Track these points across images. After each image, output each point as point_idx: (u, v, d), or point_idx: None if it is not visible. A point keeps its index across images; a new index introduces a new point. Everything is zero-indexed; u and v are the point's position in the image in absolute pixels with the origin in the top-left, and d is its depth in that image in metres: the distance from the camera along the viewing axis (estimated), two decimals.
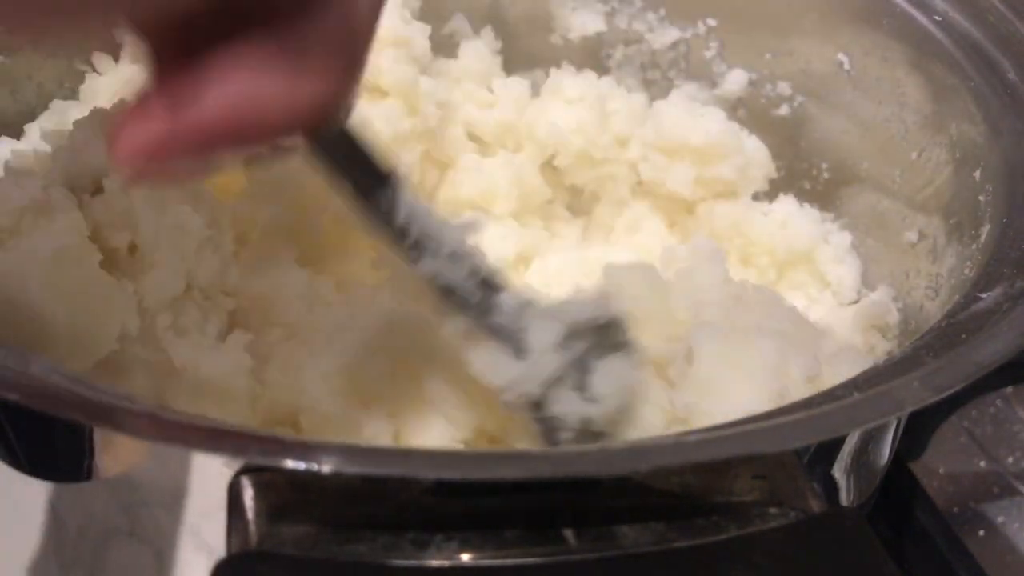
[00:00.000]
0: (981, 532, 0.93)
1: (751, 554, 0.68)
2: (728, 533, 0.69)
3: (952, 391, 0.71)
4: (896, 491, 0.98)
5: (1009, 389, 1.03)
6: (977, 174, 0.97)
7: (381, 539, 0.66)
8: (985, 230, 0.91)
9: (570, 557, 0.66)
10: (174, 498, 0.71)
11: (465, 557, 0.66)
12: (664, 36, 1.25)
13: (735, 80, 1.22)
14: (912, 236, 1.05)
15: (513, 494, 0.67)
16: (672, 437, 0.67)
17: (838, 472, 0.86)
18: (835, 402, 0.71)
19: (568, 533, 0.67)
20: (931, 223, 1.03)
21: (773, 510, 0.72)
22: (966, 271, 0.92)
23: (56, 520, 0.80)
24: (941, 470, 0.98)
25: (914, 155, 1.06)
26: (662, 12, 1.24)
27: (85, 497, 0.77)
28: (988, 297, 0.81)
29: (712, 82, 1.24)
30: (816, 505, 0.73)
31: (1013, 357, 0.79)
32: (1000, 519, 0.94)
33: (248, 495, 0.67)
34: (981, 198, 0.95)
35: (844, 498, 0.88)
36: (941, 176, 1.02)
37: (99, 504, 0.77)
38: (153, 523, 0.74)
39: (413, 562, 0.65)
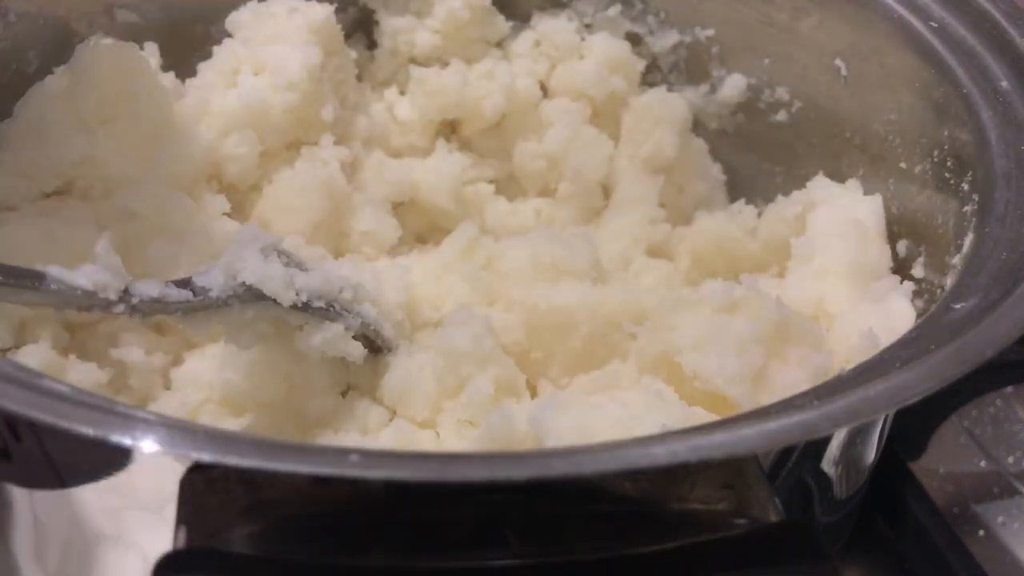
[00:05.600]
0: (981, 532, 0.92)
1: (698, 563, 0.68)
2: (677, 542, 0.69)
3: (911, 402, 0.70)
4: (896, 491, 0.97)
5: (1009, 389, 1.02)
6: (965, 184, 0.96)
7: (326, 539, 0.66)
8: (968, 240, 0.90)
9: (513, 561, 0.66)
10: (158, 501, 0.72)
11: (409, 558, 0.66)
12: (664, 39, 1.25)
13: (734, 85, 1.22)
14: (903, 246, 1.04)
15: (458, 496, 0.67)
16: (613, 443, 0.67)
17: (811, 479, 0.85)
18: (791, 412, 0.70)
19: (513, 537, 0.67)
20: (921, 234, 1.02)
21: (726, 520, 0.71)
22: (948, 281, 0.91)
23: (39, 527, 0.81)
24: (941, 470, 0.97)
25: (906, 164, 1.05)
26: (662, 16, 1.24)
27: (68, 503, 0.78)
28: (962, 307, 0.80)
29: (711, 87, 1.24)
30: (774, 515, 0.73)
31: (1012, 357, 0.78)
32: (1000, 519, 0.93)
33: (199, 491, 0.68)
34: (967, 208, 0.94)
35: (819, 504, 0.88)
36: (932, 185, 1.01)
37: (83, 510, 0.78)
38: (140, 527, 0.75)
39: (356, 562, 0.65)
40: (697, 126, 1.27)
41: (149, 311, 0.81)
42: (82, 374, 0.88)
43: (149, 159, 1.05)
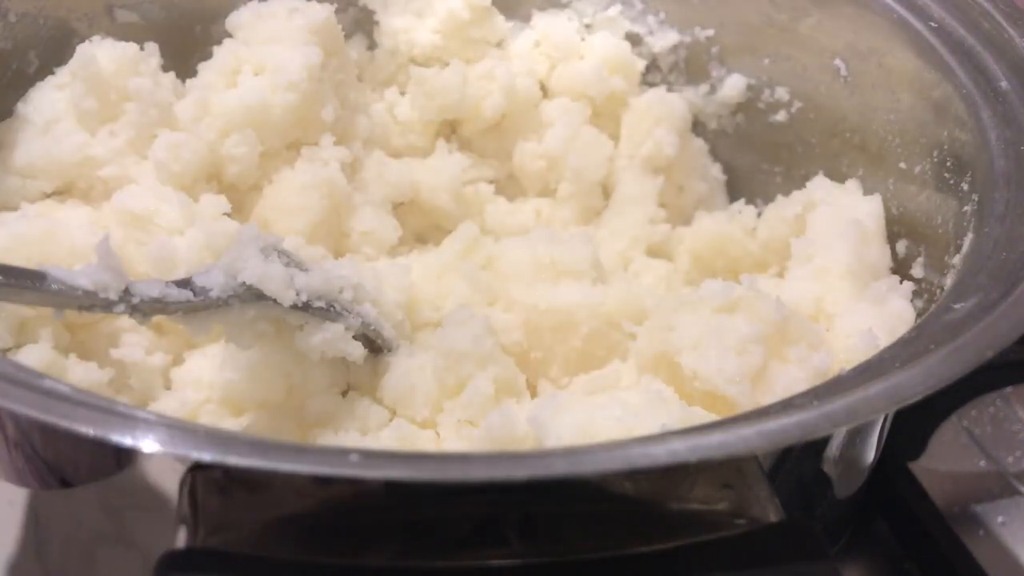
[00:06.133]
0: (981, 532, 0.93)
1: (698, 563, 0.68)
2: (677, 542, 0.69)
3: (911, 402, 0.70)
4: (896, 491, 0.97)
5: (1009, 389, 1.02)
6: (965, 184, 0.96)
7: (326, 539, 0.66)
8: (967, 240, 0.90)
9: (513, 561, 0.66)
10: (157, 501, 0.72)
11: (409, 558, 0.66)
12: (664, 39, 1.25)
13: (734, 85, 1.22)
14: (903, 246, 1.04)
15: (458, 496, 0.67)
16: (613, 443, 0.67)
17: (811, 479, 0.85)
18: (791, 412, 0.70)
19: (513, 537, 0.67)
20: (921, 234, 1.02)
21: (726, 520, 0.71)
22: (948, 281, 0.91)
23: (39, 527, 0.81)
24: (941, 470, 0.97)
25: (906, 164, 1.05)
26: (662, 16, 1.24)
27: (68, 503, 0.78)
28: (961, 308, 0.80)
29: (711, 87, 1.24)
30: (774, 515, 0.73)
31: (1012, 357, 0.78)
32: (1000, 519, 0.93)
33: (199, 491, 0.68)
34: (966, 208, 0.94)
35: (819, 504, 0.88)
36: (931, 185, 1.01)
37: (83, 510, 0.78)
38: (140, 527, 0.75)
39: (356, 562, 0.66)
40: (697, 126, 1.27)
41: (149, 311, 0.81)
42: (82, 374, 0.88)
43: (149, 159, 1.05)
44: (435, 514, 0.67)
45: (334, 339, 0.89)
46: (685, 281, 1.18)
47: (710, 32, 1.22)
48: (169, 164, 1.04)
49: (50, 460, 0.76)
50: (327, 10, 1.14)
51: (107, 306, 0.79)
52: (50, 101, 1.05)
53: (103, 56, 1.05)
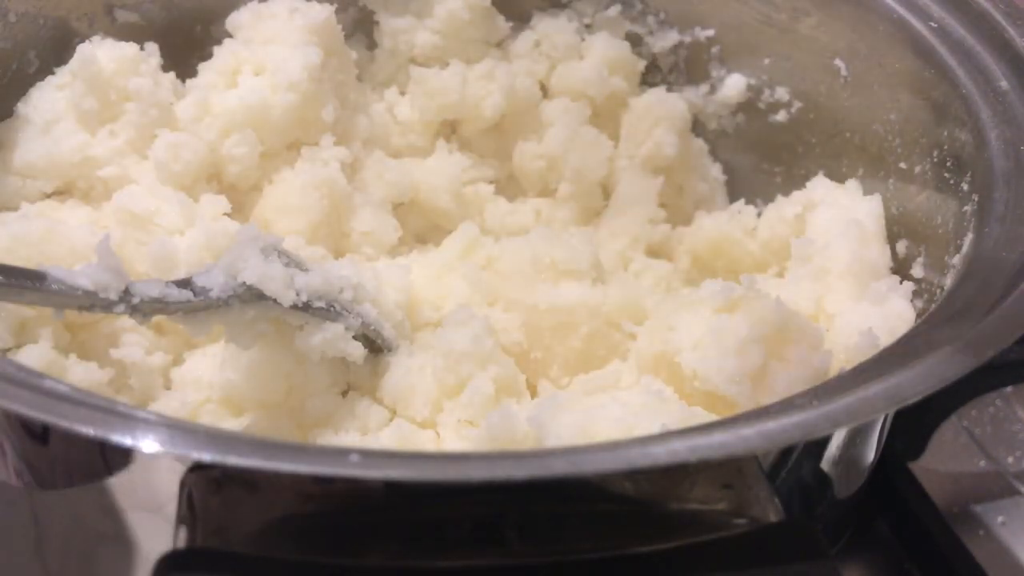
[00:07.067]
0: (981, 532, 0.93)
1: (698, 563, 0.68)
2: (677, 542, 0.69)
3: (911, 402, 0.70)
4: (896, 491, 0.98)
5: (1009, 389, 1.02)
6: (965, 184, 0.96)
7: (326, 539, 0.66)
8: (967, 240, 0.90)
9: (513, 561, 0.66)
10: (157, 501, 0.72)
11: (408, 558, 0.66)
12: (664, 39, 1.25)
13: (734, 85, 1.22)
14: (903, 246, 1.04)
15: (458, 496, 0.67)
16: (613, 443, 0.67)
17: (811, 479, 0.85)
18: (791, 412, 0.70)
19: (512, 537, 0.67)
20: (921, 234, 1.02)
21: (726, 520, 0.72)
22: (948, 281, 0.91)
23: (39, 527, 0.81)
24: (941, 470, 0.98)
25: (906, 164, 1.05)
26: (662, 16, 1.24)
27: (68, 503, 0.78)
28: (962, 307, 0.80)
29: (711, 87, 1.24)
30: (774, 515, 0.73)
31: (1012, 357, 0.78)
32: (1000, 519, 0.94)
33: (199, 491, 0.68)
34: (966, 208, 0.94)
35: (819, 504, 0.88)
36: (931, 185, 1.01)
37: (83, 510, 0.78)
38: (140, 527, 0.75)
39: (356, 562, 0.66)
40: (697, 126, 1.27)
41: (149, 311, 0.82)
42: (82, 374, 0.88)
43: (149, 159, 1.05)
44: (435, 514, 0.67)
45: (334, 339, 0.89)
46: (685, 281, 1.18)
47: (710, 32, 1.22)
48: (169, 164, 1.04)
49: (50, 460, 0.76)
50: (327, 10, 1.14)
51: (107, 306, 0.79)
52: (50, 101, 1.06)
53: (103, 56, 1.05)
